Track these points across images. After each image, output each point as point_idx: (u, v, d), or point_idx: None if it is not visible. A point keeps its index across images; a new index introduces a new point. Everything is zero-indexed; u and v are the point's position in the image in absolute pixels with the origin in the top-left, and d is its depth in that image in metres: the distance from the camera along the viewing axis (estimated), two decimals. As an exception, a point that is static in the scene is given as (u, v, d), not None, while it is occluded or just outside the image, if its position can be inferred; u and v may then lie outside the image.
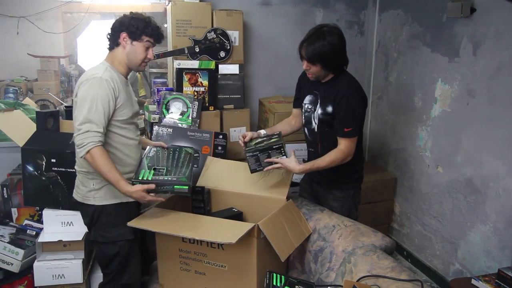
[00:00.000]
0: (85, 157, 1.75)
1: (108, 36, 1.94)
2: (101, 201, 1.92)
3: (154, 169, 1.90)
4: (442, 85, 2.77)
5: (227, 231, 1.73)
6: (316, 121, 2.14)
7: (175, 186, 1.83)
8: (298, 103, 2.30)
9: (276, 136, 2.11)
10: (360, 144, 2.20)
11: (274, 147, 2.01)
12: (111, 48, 1.95)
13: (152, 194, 1.82)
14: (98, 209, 1.92)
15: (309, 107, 2.19)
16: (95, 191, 1.91)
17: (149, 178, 1.83)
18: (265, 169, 2.03)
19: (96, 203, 1.92)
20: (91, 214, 1.93)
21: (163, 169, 1.92)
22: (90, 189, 1.91)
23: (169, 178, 1.85)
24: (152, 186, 1.80)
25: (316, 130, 2.16)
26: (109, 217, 1.93)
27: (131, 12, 1.95)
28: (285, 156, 2.00)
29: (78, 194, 1.96)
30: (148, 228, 1.83)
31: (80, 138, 1.73)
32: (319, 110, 2.12)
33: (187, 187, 1.83)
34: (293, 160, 2.00)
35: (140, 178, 1.83)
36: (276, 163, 2.00)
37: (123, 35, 1.89)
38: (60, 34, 5.21)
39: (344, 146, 2.03)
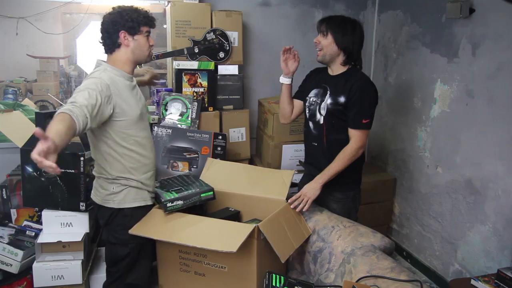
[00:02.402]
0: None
1: (103, 40, 1.87)
2: (120, 204, 1.92)
3: (176, 190, 1.99)
4: (441, 85, 2.77)
5: (228, 236, 1.73)
6: (323, 112, 2.13)
7: (202, 195, 1.99)
8: (298, 95, 2.31)
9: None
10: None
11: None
12: (110, 51, 1.88)
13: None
14: (116, 211, 1.92)
15: (314, 99, 2.18)
16: (115, 194, 1.91)
17: (176, 195, 1.92)
18: (298, 209, 2.03)
19: (115, 206, 1.92)
20: (108, 216, 1.94)
21: (181, 187, 2.02)
22: (110, 192, 1.91)
23: (193, 191, 1.98)
24: (50, 144, 1.34)
25: (322, 122, 2.14)
26: (124, 219, 1.93)
27: (113, 8, 1.86)
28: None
29: (97, 196, 1.96)
30: (150, 236, 1.84)
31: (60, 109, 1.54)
32: (328, 101, 2.10)
33: (211, 192, 2.01)
34: (308, 185, 2.04)
35: (168, 198, 1.90)
36: (299, 201, 2.02)
37: (122, 34, 1.83)
38: (60, 35, 5.20)
39: (355, 139, 2.03)
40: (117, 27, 1.82)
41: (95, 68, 1.89)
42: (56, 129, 1.46)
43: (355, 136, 2.04)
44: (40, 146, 1.30)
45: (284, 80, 2.24)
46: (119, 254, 1.96)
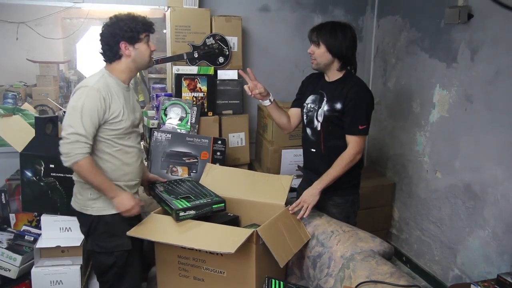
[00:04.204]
0: (73, 167, 1.75)
1: (104, 51, 1.87)
2: (99, 211, 1.89)
3: (184, 197, 1.97)
4: (440, 90, 2.78)
5: (226, 239, 1.73)
6: (320, 118, 2.13)
7: (213, 206, 1.97)
8: (297, 103, 2.30)
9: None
10: (364, 148, 2.21)
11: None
12: (111, 61, 1.88)
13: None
14: (96, 219, 1.89)
15: (312, 106, 2.18)
16: (93, 200, 1.88)
17: (189, 205, 1.90)
18: (298, 217, 2.05)
19: (93, 213, 1.89)
20: (89, 223, 1.91)
21: (189, 195, 2.00)
22: (87, 198, 1.88)
23: (205, 201, 1.96)
24: (143, 202, 1.92)
25: (319, 128, 2.15)
26: (106, 227, 1.90)
27: (110, 18, 1.86)
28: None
29: (76, 203, 1.94)
30: (148, 238, 1.83)
31: (67, 148, 1.71)
32: (325, 107, 2.10)
33: (223, 204, 1.99)
34: (307, 191, 2.05)
35: (180, 207, 1.88)
36: (299, 208, 2.04)
37: (123, 44, 1.83)
38: (60, 39, 5.23)
39: (353, 145, 2.04)
40: (117, 38, 1.82)
41: (95, 73, 1.90)
42: (103, 178, 1.83)
43: (353, 142, 2.04)
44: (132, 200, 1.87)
45: (265, 102, 2.20)
46: (105, 263, 1.93)
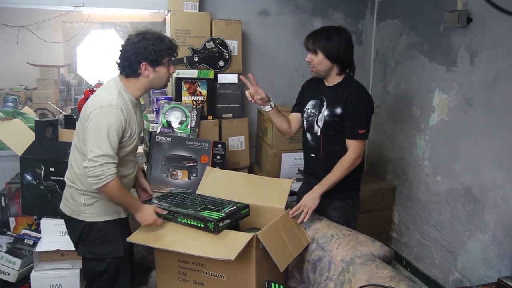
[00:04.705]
0: (102, 189, 1.73)
1: (122, 66, 1.83)
2: (91, 218, 1.87)
3: (203, 208, 1.92)
4: (439, 94, 2.78)
5: (226, 245, 1.72)
6: (320, 124, 2.13)
7: (242, 212, 1.95)
8: (297, 108, 2.29)
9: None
10: (364, 152, 2.20)
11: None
12: (127, 76, 1.84)
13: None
14: (88, 225, 1.87)
15: (312, 111, 2.18)
16: (86, 206, 1.86)
17: (222, 215, 1.84)
18: (299, 221, 2.03)
19: (86, 219, 1.87)
20: (80, 230, 1.88)
21: (206, 206, 1.96)
22: (81, 204, 1.86)
23: (232, 208, 1.92)
24: (164, 211, 1.90)
25: (319, 133, 2.15)
26: (98, 233, 1.88)
27: (137, 34, 1.80)
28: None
29: (67, 207, 1.91)
30: (148, 244, 1.83)
31: (98, 170, 1.69)
32: (325, 112, 2.10)
33: (248, 208, 1.97)
34: (308, 195, 2.04)
35: (218, 218, 1.81)
36: (299, 212, 2.03)
37: (144, 65, 1.80)
38: (60, 43, 5.24)
39: (353, 149, 2.03)
40: (139, 58, 1.79)
41: (110, 86, 1.86)
42: (131, 197, 1.88)
43: (353, 146, 2.04)
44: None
45: (266, 108, 2.18)
46: (96, 270, 1.91)
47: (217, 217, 1.80)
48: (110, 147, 1.71)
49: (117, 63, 1.86)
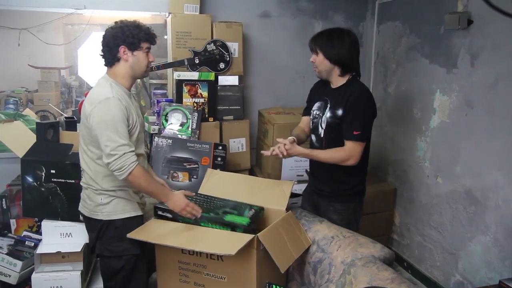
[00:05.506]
0: (128, 179, 1.77)
1: (104, 53, 1.90)
2: (109, 216, 1.91)
3: (236, 214, 1.96)
4: (440, 96, 2.78)
5: (227, 243, 1.73)
6: (324, 125, 2.14)
7: (259, 214, 2.03)
8: (307, 111, 2.31)
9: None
10: (367, 156, 2.20)
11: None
12: (110, 64, 1.91)
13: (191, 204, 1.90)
14: (106, 224, 1.91)
15: (317, 113, 2.19)
16: (103, 205, 1.90)
17: (246, 219, 1.89)
18: (271, 153, 2.01)
19: (104, 218, 1.91)
20: (98, 228, 1.92)
21: (235, 211, 1.98)
22: (98, 203, 1.90)
23: (253, 211, 1.97)
24: (192, 193, 2.02)
25: (322, 135, 2.16)
26: (116, 231, 1.91)
27: (116, 22, 1.89)
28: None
29: (86, 208, 1.95)
30: (148, 240, 1.83)
31: (119, 162, 1.73)
32: (328, 114, 2.11)
33: (263, 210, 2.05)
34: (294, 144, 2.04)
35: (249, 222, 1.88)
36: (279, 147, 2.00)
37: (122, 49, 1.86)
38: (61, 45, 5.26)
39: (348, 147, 2.03)
40: (118, 41, 1.85)
41: (101, 83, 1.91)
42: (156, 184, 1.92)
43: (347, 146, 2.04)
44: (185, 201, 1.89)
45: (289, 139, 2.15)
46: (114, 267, 1.94)
47: (244, 223, 1.86)
48: (121, 136, 1.75)
49: (100, 55, 1.92)
